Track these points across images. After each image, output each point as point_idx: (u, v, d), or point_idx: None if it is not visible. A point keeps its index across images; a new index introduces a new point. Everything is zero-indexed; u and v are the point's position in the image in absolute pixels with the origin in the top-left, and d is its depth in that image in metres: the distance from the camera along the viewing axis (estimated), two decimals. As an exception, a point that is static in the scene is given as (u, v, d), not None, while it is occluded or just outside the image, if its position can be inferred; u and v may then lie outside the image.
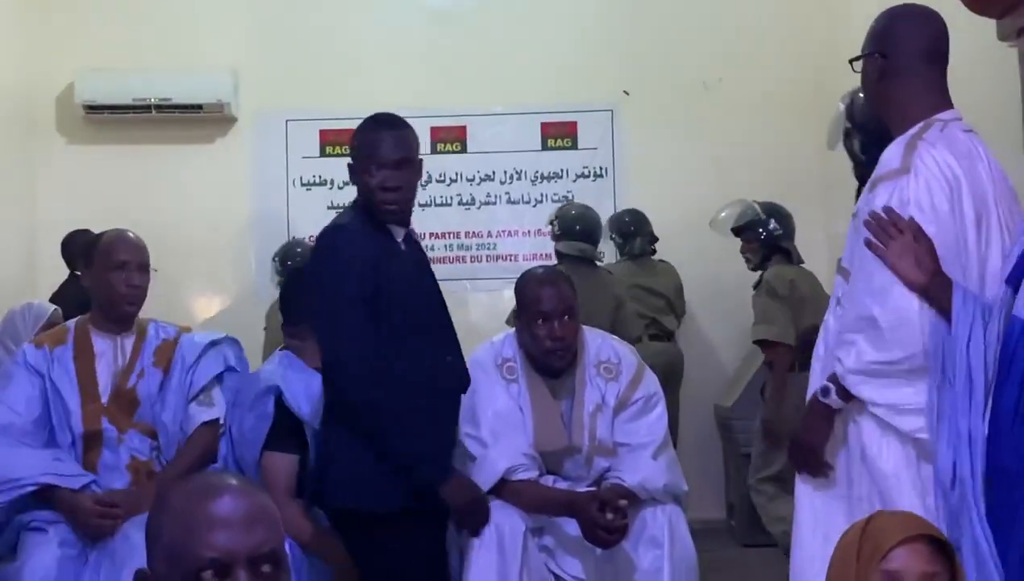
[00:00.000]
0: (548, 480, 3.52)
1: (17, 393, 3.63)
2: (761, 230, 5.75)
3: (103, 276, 3.71)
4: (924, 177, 2.61)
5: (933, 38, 2.83)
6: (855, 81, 3.02)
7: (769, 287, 5.46)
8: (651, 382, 3.69)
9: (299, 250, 6.58)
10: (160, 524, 1.62)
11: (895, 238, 2.57)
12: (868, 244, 2.62)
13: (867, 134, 4.41)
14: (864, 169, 4.54)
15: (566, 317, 3.55)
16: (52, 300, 5.44)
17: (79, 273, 5.97)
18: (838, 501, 2.72)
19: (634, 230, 6.57)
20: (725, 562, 5.37)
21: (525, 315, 3.62)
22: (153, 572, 1.60)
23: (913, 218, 2.58)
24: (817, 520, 2.77)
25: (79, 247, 6.08)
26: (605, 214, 6.90)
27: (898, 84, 2.82)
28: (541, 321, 3.55)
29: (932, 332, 2.52)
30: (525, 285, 3.68)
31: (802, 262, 5.83)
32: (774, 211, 5.83)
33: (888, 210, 2.61)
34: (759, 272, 5.77)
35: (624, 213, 6.70)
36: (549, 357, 3.57)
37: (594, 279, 5.79)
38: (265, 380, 3.69)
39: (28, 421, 3.59)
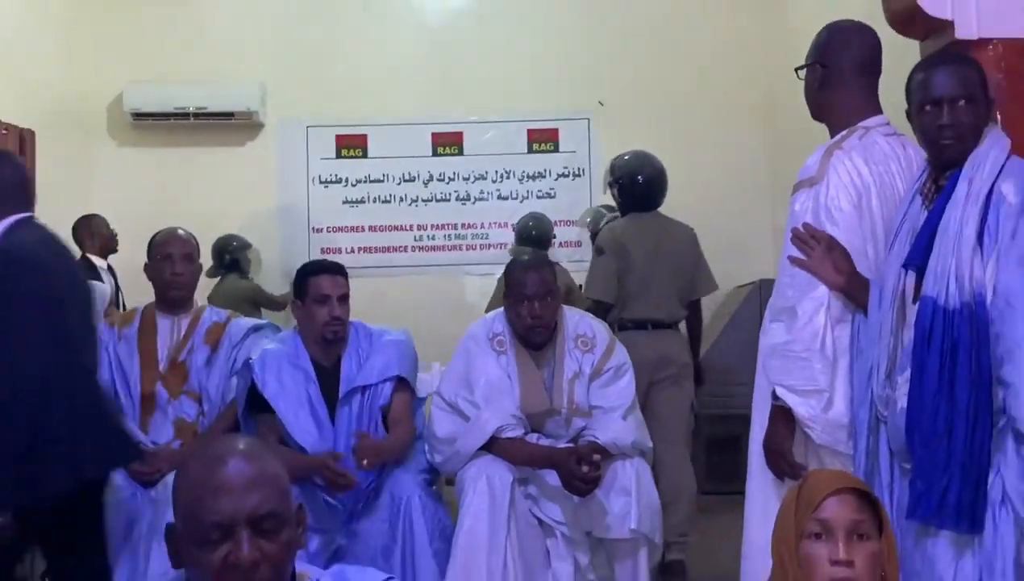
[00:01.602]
0: (532, 438, 3.51)
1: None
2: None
3: (156, 266, 3.80)
4: (835, 185, 2.63)
5: (867, 51, 2.81)
6: (796, 96, 3.00)
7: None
8: (621, 354, 3.69)
9: (235, 243, 6.82)
10: (179, 488, 1.62)
11: (814, 249, 2.59)
12: (792, 258, 2.63)
13: (620, 187, 5.05)
14: (623, 209, 5.11)
15: (548, 298, 3.55)
16: None
17: (87, 255, 6.10)
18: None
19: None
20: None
21: (512, 296, 3.61)
22: (177, 529, 1.60)
23: (827, 228, 2.61)
24: (769, 511, 2.70)
25: (84, 230, 6.21)
26: (582, 208, 7.00)
27: (834, 92, 2.80)
28: (525, 302, 3.55)
29: (837, 322, 2.58)
30: (512, 270, 3.68)
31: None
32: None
33: (807, 226, 2.63)
34: None
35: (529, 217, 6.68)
36: (530, 333, 3.58)
37: None
38: (250, 354, 3.68)
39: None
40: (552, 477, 3.40)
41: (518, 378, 3.58)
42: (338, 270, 3.69)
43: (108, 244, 6.29)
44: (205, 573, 1.55)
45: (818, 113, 2.89)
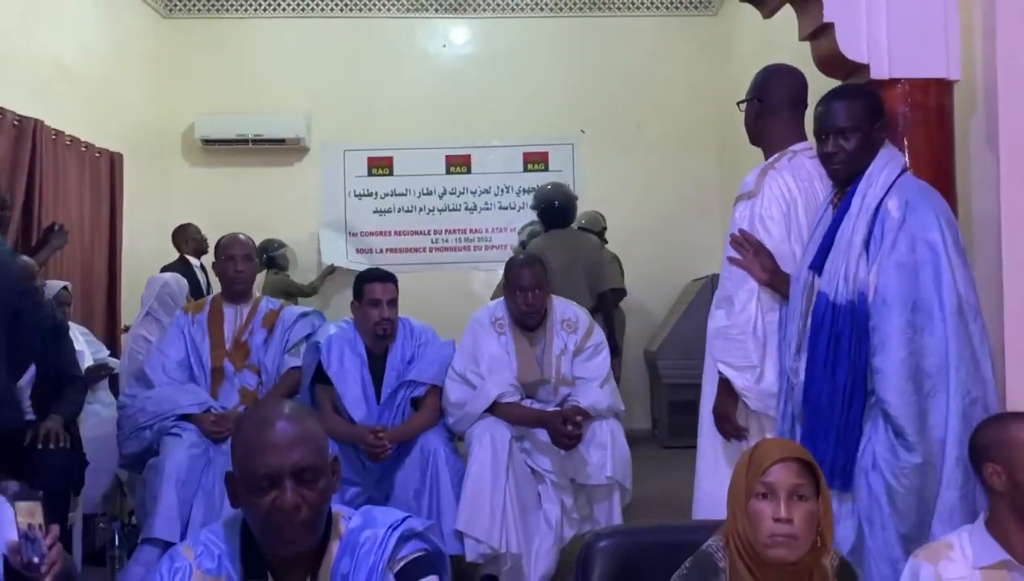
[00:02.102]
0: (527, 403, 3.52)
1: (169, 344, 3.78)
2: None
3: (221, 265, 3.85)
4: (767, 198, 2.64)
5: (796, 88, 2.83)
6: (740, 125, 2.99)
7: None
8: (599, 335, 3.70)
9: (274, 244, 6.89)
10: (236, 443, 1.61)
11: (747, 250, 2.61)
12: (730, 258, 2.64)
13: (541, 211, 5.35)
14: (545, 227, 5.32)
15: (537, 290, 3.56)
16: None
17: (184, 255, 6.16)
18: (734, 450, 2.65)
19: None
20: (652, 459, 5.38)
21: (509, 287, 3.62)
22: (234, 476, 1.60)
23: (760, 233, 2.63)
24: (718, 465, 2.71)
25: (181, 236, 6.24)
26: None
27: (768, 122, 2.81)
28: (519, 292, 3.55)
29: (768, 310, 2.60)
30: (511, 266, 3.68)
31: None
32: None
33: (742, 232, 2.64)
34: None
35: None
36: (524, 317, 3.59)
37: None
38: (318, 337, 3.70)
39: (175, 362, 3.72)
40: (543, 435, 3.42)
41: (515, 354, 3.59)
42: (389, 278, 3.67)
43: (200, 246, 6.28)
44: (256, 513, 1.55)
45: (755, 139, 2.89)
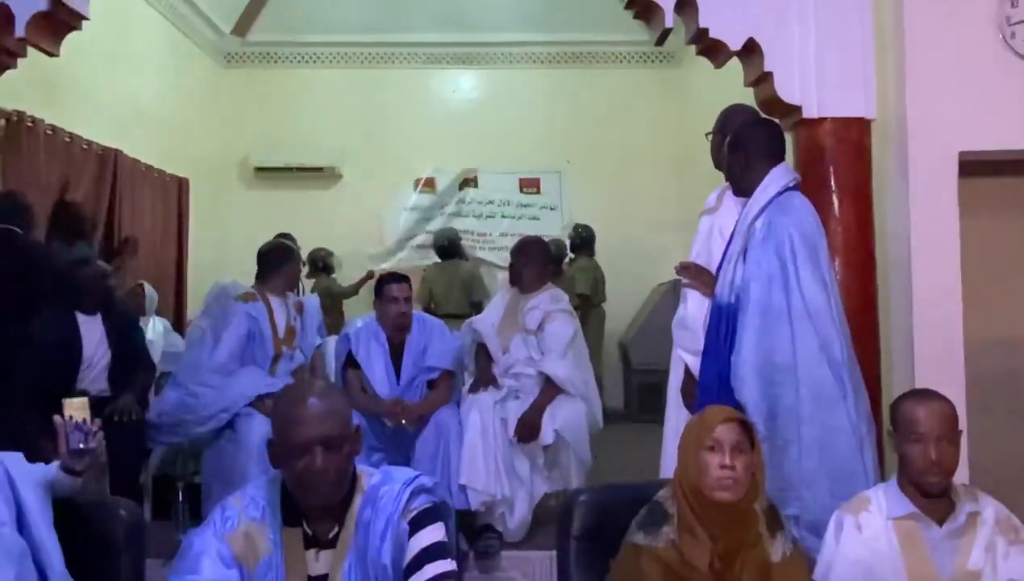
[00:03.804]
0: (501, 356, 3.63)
1: (231, 333, 3.60)
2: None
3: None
4: (724, 213, 2.61)
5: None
6: (697, 154, 2.99)
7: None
8: (556, 307, 3.68)
9: (322, 252, 6.76)
10: (275, 416, 1.61)
11: (692, 272, 2.58)
12: (680, 278, 2.64)
13: (439, 248, 6.45)
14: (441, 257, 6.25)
15: (524, 274, 3.70)
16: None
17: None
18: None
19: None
20: (625, 432, 5.35)
21: (511, 274, 3.80)
22: (274, 443, 1.60)
23: (718, 240, 2.59)
24: (679, 429, 2.67)
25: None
26: (556, 229, 7.10)
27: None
28: (512, 277, 3.74)
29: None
30: (511, 264, 3.79)
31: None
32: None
33: (682, 262, 2.62)
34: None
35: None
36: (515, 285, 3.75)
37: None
38: (347, 330, 3.70)
39: (229, 354, 3.58)
40: (513, 405, 3.45)
41: (503, 314, 3.73)
42: (404, 279, 3.66)
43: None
44: (292, 474, 1.55)
45: (720, 164, 2.82)
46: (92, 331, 3.41)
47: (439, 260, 6.49)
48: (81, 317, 3.40)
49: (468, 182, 7.53)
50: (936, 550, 1.83)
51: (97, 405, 3.21)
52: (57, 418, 1.86)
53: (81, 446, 1.84)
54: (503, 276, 6.52)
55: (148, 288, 4.98)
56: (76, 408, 1.86)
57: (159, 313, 5.29)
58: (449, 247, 6.45)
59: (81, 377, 3.35)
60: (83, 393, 1.99)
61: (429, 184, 7.51)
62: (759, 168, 2.43)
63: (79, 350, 3.34)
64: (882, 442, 2.45)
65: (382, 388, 3.54)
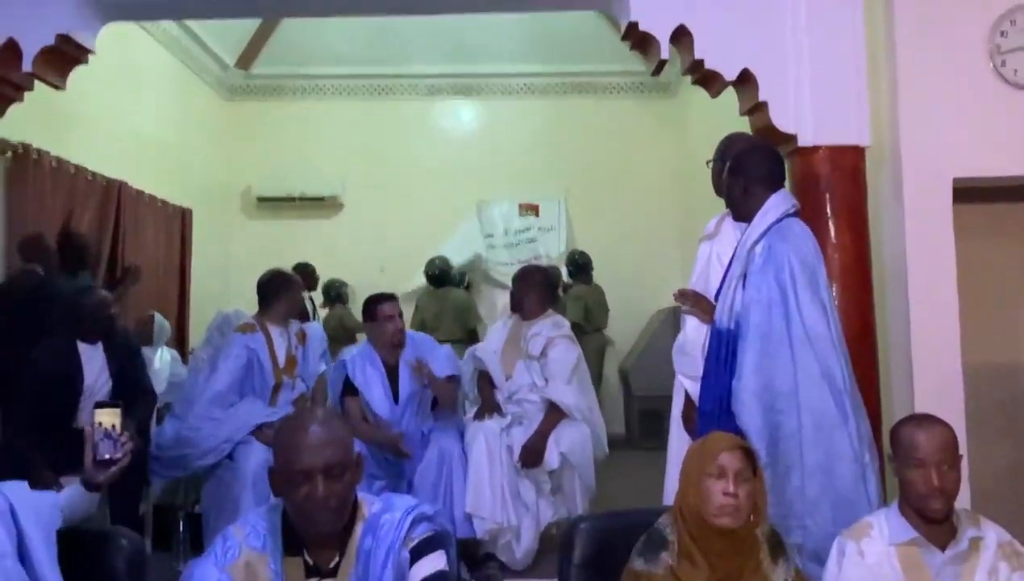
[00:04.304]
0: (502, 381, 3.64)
1: (229, 364, 3.59)
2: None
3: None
4: (723, 239, 2.61)
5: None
6: (695, 181, 3.01)
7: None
8: (557, 332, 3.69)
9: (337, 283, 6.77)
10: (277, 444, 1.61)
11: (691, 299, 2.57)
12: (681, 305, 2.62)
13: (429, 277, 6.53)
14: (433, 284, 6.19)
15: (525, 301, 3.73)
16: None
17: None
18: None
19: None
20: (627, 459, 5.32)
21: (512, 301, 3.83)
22: (275, 471, 1.59)
23: (717, 266, 2.58)
24: (681, 454, 2.63)
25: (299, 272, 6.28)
26: (554, 251, 7.18)
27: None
28: (514, 304, 3.77)
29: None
30: (512, 292, 3.83)
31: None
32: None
33: (681, 290, 2.61)
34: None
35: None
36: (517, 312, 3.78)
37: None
38: (342, 357, 3.72)
39: (227, 387, 3.56)
40: (520, 435, 3.43)
41: (507, 338, 3.78)
42: (392, 297, 3.69)
43: (311, 281, 6.38)
44: (293, 502, 1.54)
45: (720, 191, 2.78)
46: (93, 360, 3.42)
47: (431, 287, 6.55)
48: (82, 346, 3.40)
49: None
50: (939, 576, 1.82)
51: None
52: (87, 427, 1.83)
53: (108, 456, 1.80)
54: (504, 302, 6.56)
55: (159, 318, 4.98)
56: (108, 415, 1.81)
57: (169, 343, 5.30)
58: (440, 275, 6.52)
59: (82, 406, 3.33)
60: (116, 404, 1.94)
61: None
62: (759, 194, 2.43)
63: (80, 379, 3.34)
64: (884, 468, 2.44)
65: (382, 408, 3.53)
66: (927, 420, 1.90)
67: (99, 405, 1.87)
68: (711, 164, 2.79)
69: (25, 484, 1.84)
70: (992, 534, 1.86)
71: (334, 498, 1.53)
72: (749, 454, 1.78)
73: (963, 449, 1.93)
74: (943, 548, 1.83)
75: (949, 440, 1.85)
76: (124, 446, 1.84)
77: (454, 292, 6.58)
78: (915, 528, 1.85)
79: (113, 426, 1.81)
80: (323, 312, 6.59)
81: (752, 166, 2.49)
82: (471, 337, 6.21)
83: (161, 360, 4.81)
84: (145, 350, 4.88)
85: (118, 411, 1.84)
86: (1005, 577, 1.82)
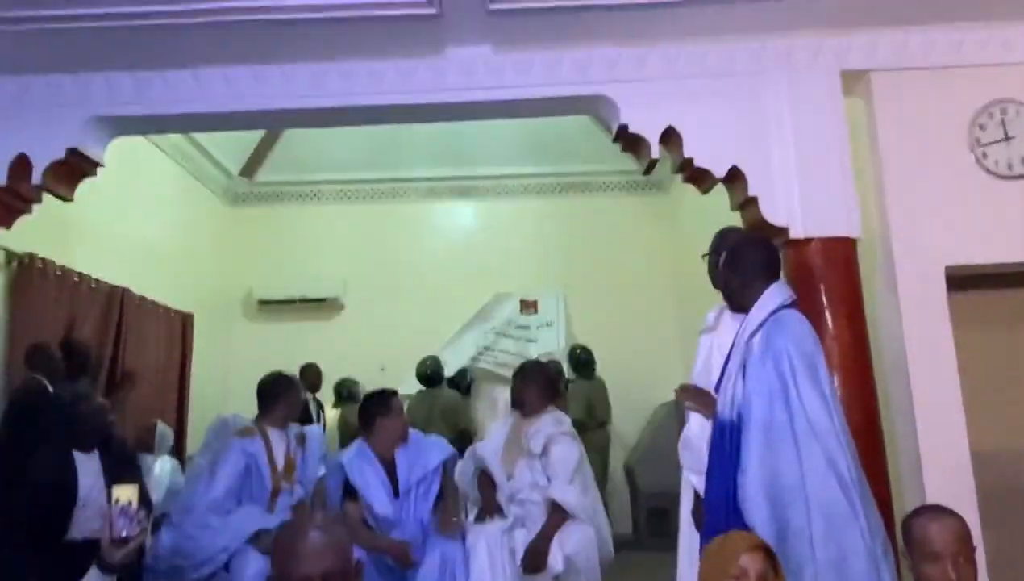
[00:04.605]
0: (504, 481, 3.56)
1: (227, 470, 3.55)
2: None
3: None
4: (722, 332, 2.62)
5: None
6: (691, 276, 3.03)
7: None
8: (556, 432, 3.62)
9: (346, 382, 6.81)
10: (275, 550, 1.58)
11: (692, 394, 2.58)
12: (682, 401, 2.62)
13: (421, 377, 6.40)
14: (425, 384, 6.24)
15: (525, 397, 3.69)
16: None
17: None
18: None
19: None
20: (633, 561, 5.15)
21: (513, 398, 3.77)
22: (273, 576, 1.56)
23: (717, 358, 2.57)
24: (693, 557, 2.56)
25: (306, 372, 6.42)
26: (552, 347, 7.10)
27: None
28: (514, 400, 3.72)
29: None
30: (513, 388, 3.77)
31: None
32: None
33: (686, 385, 2.63)
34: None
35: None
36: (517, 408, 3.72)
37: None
38: (339, 459, 3.66)
39: (225, 493, 3.51)
40: (523, 537, 3.37)
41: (506, 437, 3.69)
42: (395, 392, 3.75)
43: (316, 383, 6.45)
44: None
45: (716, 281, 2.80)
46: (89, 469, 3.36)
47: (422, 387, 6.50)
48: (78, 455, 3.35)
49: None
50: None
51: (90, 548, 3.13)
52: (106, 507, 1.86)
53: (124, 533, 1.81)
54: (505, 399, 6.49)
55: (161, 425, 4.95)
56: (126, 491, 1.85)
57: (172, 452, 5.23)
58: (431, 375, 6.47)
59: (76, 516, 3.26)
60: (134, 479, 1.99)
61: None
62: (755, 286, 2.45)
63: (74, 490, 3.28)
64: (899, 563, 2.36)
65: (382, 505, 3.48)
66: (938, 512, 1.86)
67: (116, 481, 1.90)
68: (706, 257, 2.82)
69: None
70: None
71: (334, 606, 1.49)
72: (770, 554, 1.73)
73: (977, 539, 1.87)
74: (965, 645, 1.76)
75: (963, 532, 1.80)
76: (139, 523, 1.86)
77: (445, 392, 6.53)
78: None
79: (130, 502, 1.85)
80: (334, 412, 6.54)
81: (747, 258, 2.51)
82: (462, 437, 6.08)
83: (162, 469, 4.74)
84: (146, 458, 4.82)
85: (136, 487, 1.88)
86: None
